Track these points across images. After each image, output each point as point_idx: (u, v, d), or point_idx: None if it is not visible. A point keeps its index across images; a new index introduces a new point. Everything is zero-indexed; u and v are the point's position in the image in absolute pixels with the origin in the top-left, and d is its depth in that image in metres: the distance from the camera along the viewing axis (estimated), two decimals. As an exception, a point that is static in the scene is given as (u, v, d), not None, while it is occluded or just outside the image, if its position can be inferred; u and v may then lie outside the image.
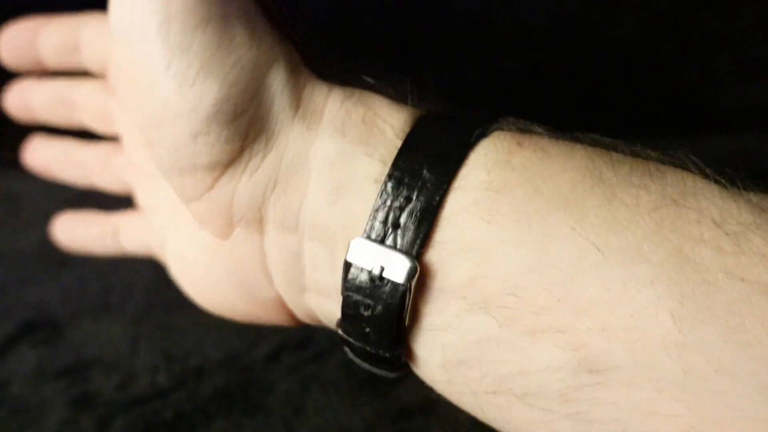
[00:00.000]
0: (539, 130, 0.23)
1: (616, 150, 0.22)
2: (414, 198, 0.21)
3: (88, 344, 0.39)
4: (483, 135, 0.22)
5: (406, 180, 0.21)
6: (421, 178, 0.21)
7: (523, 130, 0.23)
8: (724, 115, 0.60)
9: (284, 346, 0.38)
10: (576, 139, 0.23)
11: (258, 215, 0.24)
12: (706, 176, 0.20)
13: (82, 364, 0.38)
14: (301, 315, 0.27)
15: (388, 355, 0.23)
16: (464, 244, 0.21)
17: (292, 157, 0.23)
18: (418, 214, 0.21)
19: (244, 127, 0.23)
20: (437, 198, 0.21)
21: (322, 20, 0.54)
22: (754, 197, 0.19)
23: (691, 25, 0.60)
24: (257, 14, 0.24)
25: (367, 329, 0.23)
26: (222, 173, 0.24)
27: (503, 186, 0.21)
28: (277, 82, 0.23)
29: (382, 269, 0.21)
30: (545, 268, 0.19)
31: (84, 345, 0.39)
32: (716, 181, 0.20)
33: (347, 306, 0.23)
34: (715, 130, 0.57)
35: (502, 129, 0.23)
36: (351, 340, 0.23)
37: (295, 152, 0.23)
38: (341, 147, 0.23)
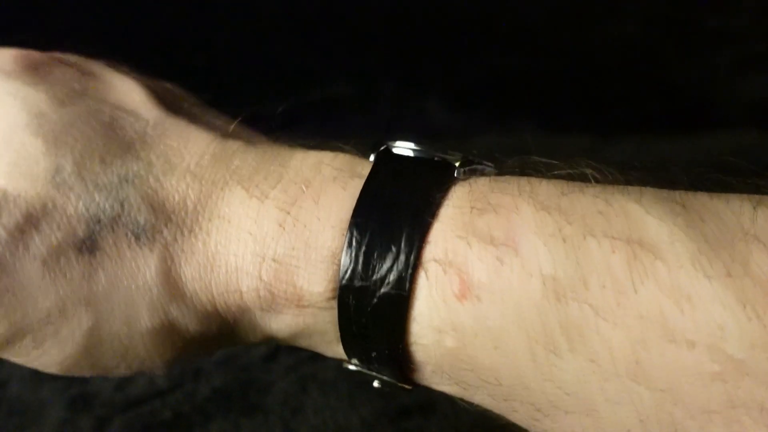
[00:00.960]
0: (483, 227, 0.20)
1: (585, 179, 0.21)
2: (374, 348, 0.22)
3: (85, 344, 0.39)
4: (418, 264, 0.20)
5: (362, 334, 0.21)
6: (373, 333, 0.21)
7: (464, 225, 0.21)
8: (722, 112, 0.60)
9: (281, 345, 0.38)
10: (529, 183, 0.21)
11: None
12: (690, 189, 0.20)
13: (80, 365, 0.38)
14: None
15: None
16: (441, 378, 0.22)
17: (256, 335, 0.24)
18: (386, 360, 0.22)
19: (200, 349, 0.24)
20: (399, 348, 0.21)
21: (322, 20, 0.54)
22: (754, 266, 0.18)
23: (689, 21, 0.60)
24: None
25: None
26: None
27: (458, 350, 0.20)
28: (185, 313, 0.23)
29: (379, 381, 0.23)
30: (523, 404, 0.20)
31: (82, 345, 0.39)
32: (705, 268, 0.18)
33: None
34: (714, 126, 0.57)
35: (436, 259, 0.20)
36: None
37: (254, 332, 0.24)
38: (285, 326, 0.23)
